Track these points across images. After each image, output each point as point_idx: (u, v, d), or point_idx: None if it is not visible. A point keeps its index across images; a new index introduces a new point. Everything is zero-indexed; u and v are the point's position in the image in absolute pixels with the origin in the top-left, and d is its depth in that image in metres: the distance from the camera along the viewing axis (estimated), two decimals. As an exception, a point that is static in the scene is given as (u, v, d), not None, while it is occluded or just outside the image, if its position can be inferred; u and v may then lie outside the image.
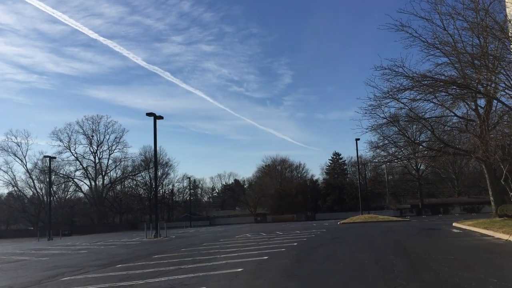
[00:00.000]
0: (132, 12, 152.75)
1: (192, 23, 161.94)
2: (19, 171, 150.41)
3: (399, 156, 37.16)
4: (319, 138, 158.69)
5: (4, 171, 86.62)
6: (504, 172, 24.47)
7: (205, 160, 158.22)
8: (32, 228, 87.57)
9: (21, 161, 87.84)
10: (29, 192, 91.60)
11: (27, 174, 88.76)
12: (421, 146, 35.38)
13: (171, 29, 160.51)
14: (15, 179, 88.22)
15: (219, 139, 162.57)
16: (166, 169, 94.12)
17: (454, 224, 29.57)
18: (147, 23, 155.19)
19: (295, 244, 19.71)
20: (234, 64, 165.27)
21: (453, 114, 30.51)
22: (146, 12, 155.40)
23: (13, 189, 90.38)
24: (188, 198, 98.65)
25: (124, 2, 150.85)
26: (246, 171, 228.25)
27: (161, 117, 39.81)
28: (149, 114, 39.37)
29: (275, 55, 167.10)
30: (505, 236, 17.29)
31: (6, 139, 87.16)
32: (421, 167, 75.59)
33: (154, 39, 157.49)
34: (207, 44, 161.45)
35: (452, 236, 20.70)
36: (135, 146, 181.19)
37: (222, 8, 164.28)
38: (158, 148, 42.66)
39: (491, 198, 31.50)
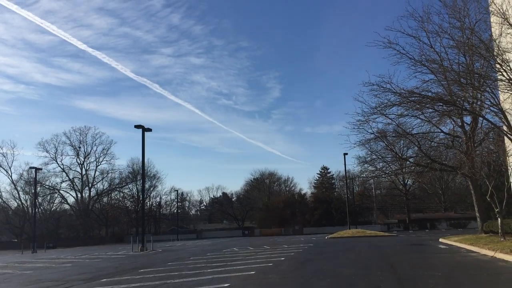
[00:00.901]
0: (121, 23, 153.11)
1: (182, 35, 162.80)
2: (4, 182, 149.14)
3: (387, 171, 37.39)
4: (308, 152, 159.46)
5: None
6: (490, 188, 24.71)
7: (193, 172, 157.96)
8: (16, 240, 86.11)
9: (6, 172, 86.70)
10: (13, 204, 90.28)
11: (12, 185, 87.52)
12: (408, 162, 35.66)
13: (161, 41, 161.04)
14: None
15: (207, 152, 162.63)
16: (154, 182, 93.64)
17: (440, 239, 29.73)
18: (136, 35, 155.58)
19: (283, 258, 19.64)
20: (223, 77, 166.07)
21: (439, 131, 30.89)
22: (136, 24, 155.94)
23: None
24: (175, 211, 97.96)
25: (114, 13, 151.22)
26: (234, 184, 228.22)
27: (149, 129, 39.70)
28: (137, 126, 39.24)
29: (264, 69, 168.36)
30: (490, 253, 17.42)
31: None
32: (408, 182, 76.14)
33: (143, 51, 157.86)
34: (196, 57, 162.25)
35: (438, 252, 20.80)
36: (123, 158, 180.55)
37: (212, 21, 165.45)
38: (146, 160, 42.39)
39: (477, 214, 31.77)
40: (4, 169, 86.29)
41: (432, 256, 18.68)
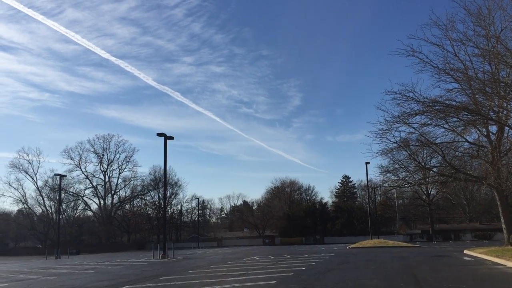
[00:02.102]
0: (143, 33, 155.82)
1: (203, 44, 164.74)
2: (30, 189, 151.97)
3: (410, 181, 36.82)
4: (329, 160, 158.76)
5: (15, 188, 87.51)
6: (517, 199, 24.20)
7: (214, 180, 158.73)
8: (40, 246, 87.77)
9: (32, 178, 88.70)
10: (38, 210, 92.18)
11: (37, 191, 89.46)
12: (431, 171, 35.08)
13: (182, 50, 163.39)
14: (25, 196, 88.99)
15: (228, 160, 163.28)
16: (175, 189, 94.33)
17: (465, 251, 29.12)
18: (158, 44, 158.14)
19: (303, 268, 19.50)
20: (243, 85, 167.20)
21: (464, 140, 30.33)
22: (158, 33, 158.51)
23: (23, 206, 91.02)
24: (196, 218, 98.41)
25: (136, 23, 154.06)
26: (255, 192, 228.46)
27: (171, 138, 39.98)
28: (159, 134, 39.55)
29: (285, 77, 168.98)
30: (517, 266, 16.99)
31: (18, 157, 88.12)
32: (432, 192, 74.87)
33: (165, 60, 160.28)
34: (217, 65, 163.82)
35: (463, 264, 20.37)
36: (145, 166, 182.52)
37: (233, 30, 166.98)
38: (167, 168, 42.64)
39: (503, 226, 31.02)
40: (30, 175, 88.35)
41: (457, 268, 18.30)
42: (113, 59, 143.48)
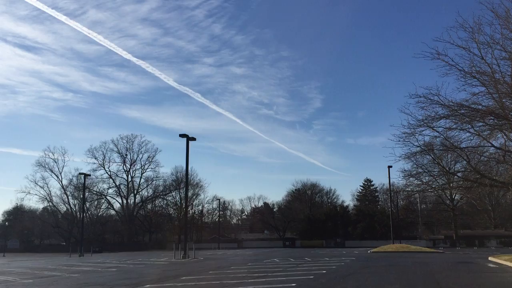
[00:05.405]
0: (164, 33, 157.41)
1: (223, 45, 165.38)
2: (55, 187, 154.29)
3: (433, 186, 36.21)
4: (350, 163, 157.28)
5: (40, 187, 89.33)
6: (544, 206, 23.61)
7: (235, 182, 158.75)
8: (64, 243, 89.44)
9: (57, 177, 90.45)
10: (63, 208, 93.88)
11: (62, 190, 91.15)
12: (456, 176, 34.46)
13: (203, 51, 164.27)
14: (50, 194, 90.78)
15: (248, 161, 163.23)
16: (197, 190, 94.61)
17: (490, 258, 28.57)
18: (179, 45, 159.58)
19: (324, 272, 19.40)
20: (264, 86, 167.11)
21: (490, 145, 29.70)
22: (178, 34, 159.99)
23: (48, 204, 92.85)
24: (217, 219, 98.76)
25: (157, 24, 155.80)
26: (275, 194, 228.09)
27: (193, 139, 40.14)
28: (182, 135, 39.76)
29: (305, 79, 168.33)
30: (544, 274, 16.58)
31: (44, 155, 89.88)
32: (456, 197, 73.54)
33: (186, 61, 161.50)
34: (237, 67, 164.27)
35: (488, 271, 19.97)
36: (166, 166, 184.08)
37: (253, 31, 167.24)
38: (189, 169, 42.90)
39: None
40: (55, 174, 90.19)
41: (481, 275, 17.95)
42: (134, 59, 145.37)
